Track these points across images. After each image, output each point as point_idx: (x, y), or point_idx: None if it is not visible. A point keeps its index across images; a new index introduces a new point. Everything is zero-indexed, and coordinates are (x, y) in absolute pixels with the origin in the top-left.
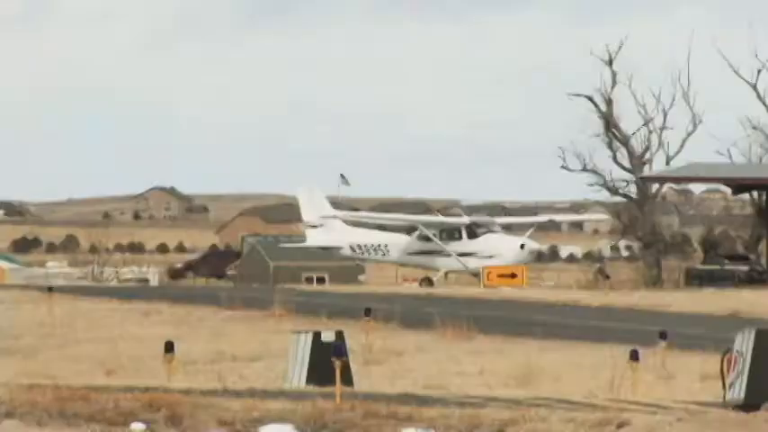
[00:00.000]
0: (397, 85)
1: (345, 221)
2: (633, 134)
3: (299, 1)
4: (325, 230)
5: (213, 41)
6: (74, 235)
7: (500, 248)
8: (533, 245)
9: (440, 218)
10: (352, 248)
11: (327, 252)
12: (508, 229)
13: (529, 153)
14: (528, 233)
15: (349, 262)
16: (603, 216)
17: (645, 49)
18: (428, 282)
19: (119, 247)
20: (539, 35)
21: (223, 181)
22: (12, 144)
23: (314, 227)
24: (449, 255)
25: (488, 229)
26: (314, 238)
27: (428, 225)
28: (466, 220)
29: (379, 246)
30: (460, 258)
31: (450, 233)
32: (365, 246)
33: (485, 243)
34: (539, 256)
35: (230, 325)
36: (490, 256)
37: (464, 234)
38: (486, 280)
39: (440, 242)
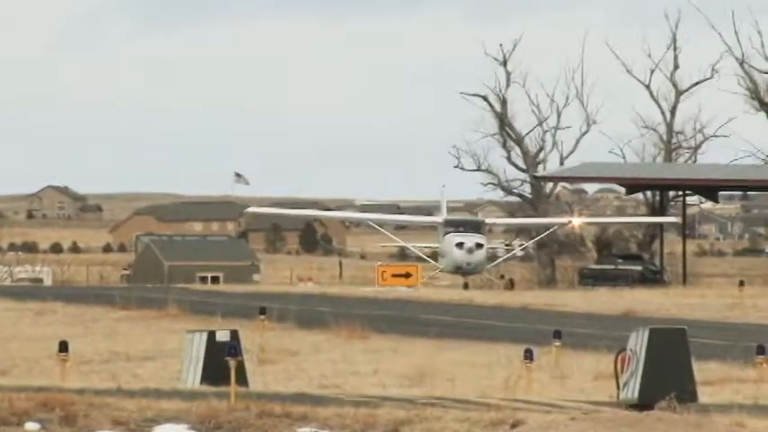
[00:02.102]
0: (291, 82)
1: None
2: (527, 134)
3: (202, 2)
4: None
5: (112, 41)
6: None
7: (447, 248)
8: (470, 243)
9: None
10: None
11: (223, 252)
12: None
13: (423, 152)
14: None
15: (244, 261)
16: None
17: (539, 49)
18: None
19: (12, 247)
20: (435, 34)
21: (117, 180)
22: None
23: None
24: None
25: (465, 228)
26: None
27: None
28: (440, 219)
29: None
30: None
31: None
32: None
33: (443, 243)
34: (493, 257)
35: (124, 324)
36: (444, 257)
37: (440, 233)
38: (381, 279)
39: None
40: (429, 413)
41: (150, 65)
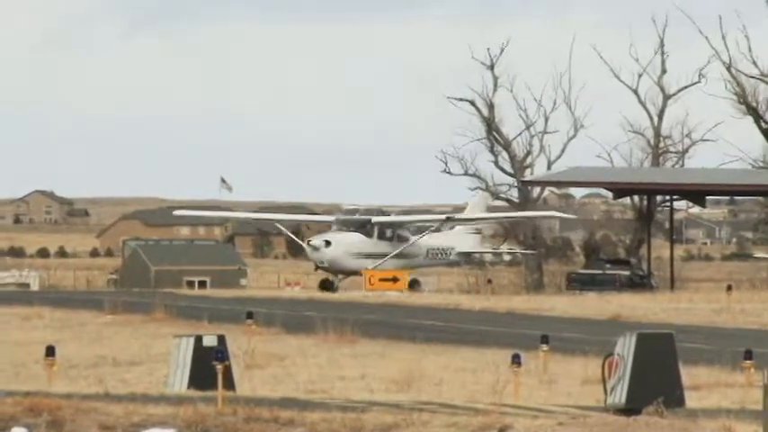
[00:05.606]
0: (278, 86)
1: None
2: (514, 138)
3: (187, 5)
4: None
5: (99, 45)
6: None
7: None
8: (317, 241)
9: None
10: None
11: (210, 256)
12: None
13: (411, 157)
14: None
15: (231, 266)
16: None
17: (527, 54)
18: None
19: None
20: (422, 37)
21: (104, 185)
22: None
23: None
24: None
25: (349, 227)
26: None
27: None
28: (332, 218)
29: None
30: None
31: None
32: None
33: None
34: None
35: (112, 329)
36: None
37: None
38: (368, 284)
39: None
40: (416, 418)
41: (138, 70)
